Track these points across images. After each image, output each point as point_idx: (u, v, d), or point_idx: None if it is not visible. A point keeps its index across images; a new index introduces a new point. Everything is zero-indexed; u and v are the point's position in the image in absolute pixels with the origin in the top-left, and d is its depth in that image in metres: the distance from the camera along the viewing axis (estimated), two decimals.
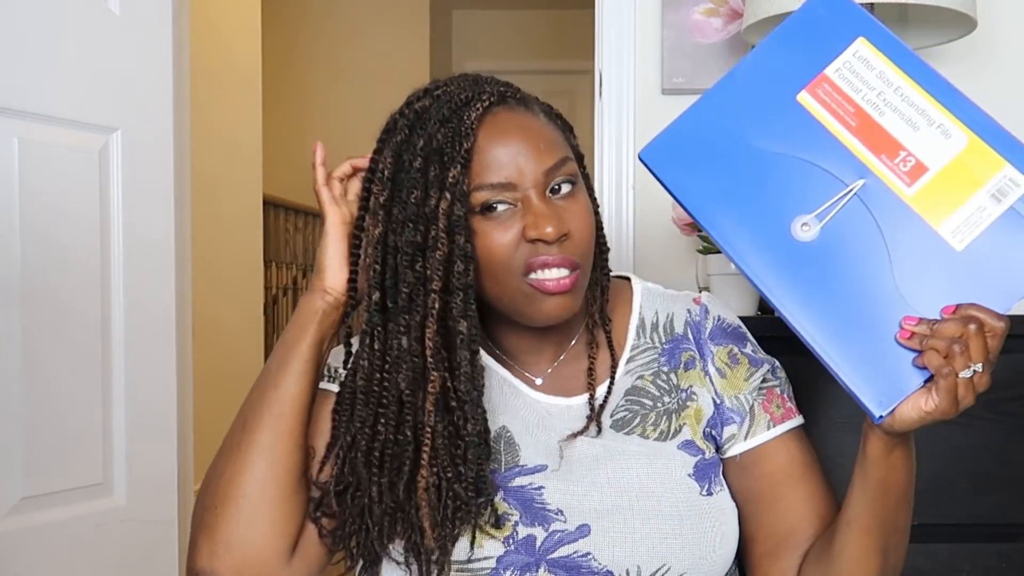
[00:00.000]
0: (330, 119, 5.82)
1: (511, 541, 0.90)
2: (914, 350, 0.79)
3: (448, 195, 0.87)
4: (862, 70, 0.85)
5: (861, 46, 0.86)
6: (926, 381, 0.79)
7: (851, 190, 0.82)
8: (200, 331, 2.61)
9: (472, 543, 0.90)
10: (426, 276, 0.87)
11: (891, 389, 0.79)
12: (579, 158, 0.97)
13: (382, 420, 0.88)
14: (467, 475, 0.87)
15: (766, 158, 0.85)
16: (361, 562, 0.92)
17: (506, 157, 0.89)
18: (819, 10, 0.87)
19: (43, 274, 1.67)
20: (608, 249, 1.00)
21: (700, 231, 1.57)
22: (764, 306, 1.55)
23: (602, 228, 0.99)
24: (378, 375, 0.89)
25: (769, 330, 1.10)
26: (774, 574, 0.95)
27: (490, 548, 0.90)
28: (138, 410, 1.83)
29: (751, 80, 0.87)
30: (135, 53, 1.84)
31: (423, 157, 0.89)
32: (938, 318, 0.79)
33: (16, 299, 1.63)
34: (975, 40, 1.74)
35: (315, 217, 5.21)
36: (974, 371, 0.77)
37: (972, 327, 0.76)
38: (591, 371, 0.98)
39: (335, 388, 0.96)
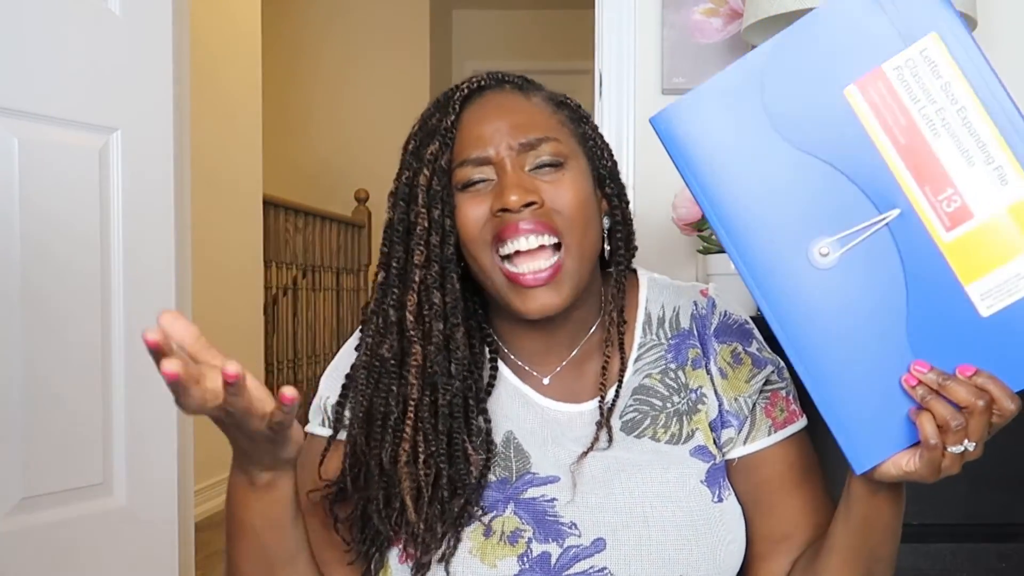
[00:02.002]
0: (330, 119, 5.82)
1: (525, 559, 0.88)
2: (913, 400, 0.73)
3: (427, 170, 0.90)
4: (926, 75, 0.70)
5: (932, 43, 0.70)
6: (914, 444, 0.74)
7: (884, 219, 0.71)
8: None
9: (483, 557, 0.88)
10: (411, 250, 0.90)
11: (876, 446, 0.74)
12: (600, 149, 0.96)
13: (379, 393, 0.90)
14: (452, 449, 0.88)
15: (792, 156, 0.72)
16: (372, 547, 0.91)
17: (483, 132, 0.90)
18: None
19: (43, 274, 1.67)
20: (635, 248, 0.98)
21: (700, 231, 1.57)
22: None
23: (630, 224, 0.98)
24: (372, 349, 0.92)
25: (768, 330, 1.09)
26: None
27: (504, 567, 0.88)
28: (138, 410, 1.83)
29: (797, 54, 0.71)
30: (135, 53, 1.84)
31: (417, 140, 0.93)
32: (949, 376, 0.72)
33: (16, 299, 1.63)
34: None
35: (315, 217, 5.21)
36: (965, 448, 0.72)
37: (981, 402, 0.70)
38: (604, 373, 0.95)
39: (326, 432, 0.97)
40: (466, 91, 0.93)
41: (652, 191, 1.87)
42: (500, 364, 0.98)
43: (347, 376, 0.96)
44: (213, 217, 3.58)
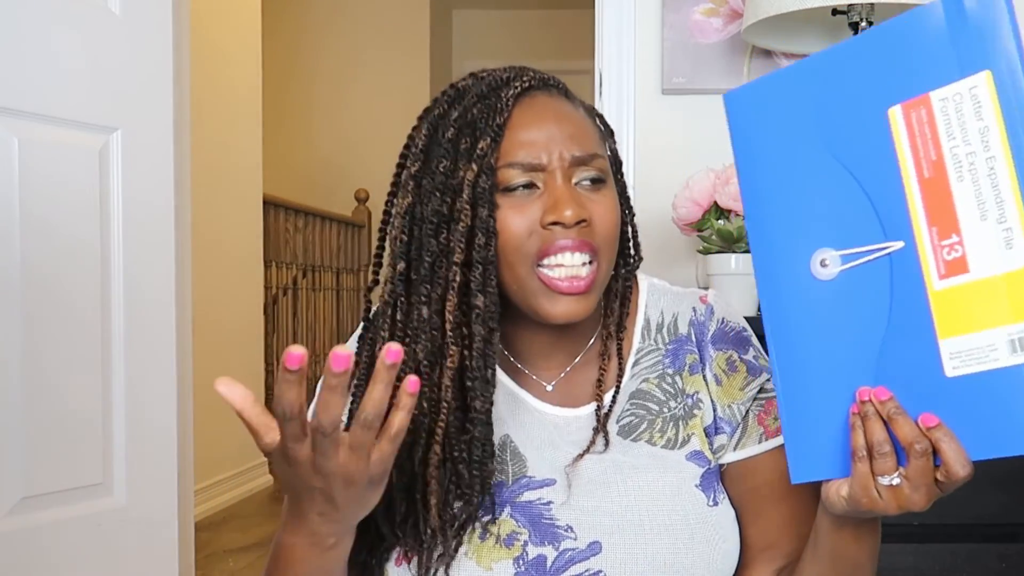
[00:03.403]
0: (330, 118, 5.82)
1: (521, 562, 0.87)
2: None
3: (475, 166, 0.86)
4: (968, 114, 0.66)
5: (983, 82, 0.65)
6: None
7: (886, 249, 0.70)
8: (200, 331, 2.61)
9: (479, 559, 0.88)
10: (449, 247, 0.86)
11: (817, 464, 0.74)
12: (617, 163, 0.95)
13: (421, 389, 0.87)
14: (474, 455, 0.86)
15: (826, 161, 0.72)
16: (371, 561, 0.90)
17: (537, 138, 0.87)
18: (971, 3, 0.66)
19: (43, 274, 1.67)
20: (640, 259, 0.97)
21: (700, 231, 1.57)
22: None
23: (636, 237, 0.97)
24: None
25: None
26: None
27: (499, 569, 0.87)
28: (138, 410, 1.83)
29: (863, 58, 0.70)
30: (135, 53, 1.84)
31: (456, 128, 0.88)
32: (902, 411, 0.70)
33: (17, 299, 1.63)
34: None
35: (315, 217, 5.21)
36: (893, 483, 0.71)
37: (919, 446, 0.69)
38: (600, 381, 0.95)
39: None
40: (519, 88, 0.89)
41: (652, 191, 1.87)
42: (502, 374, 0.97)
43: (356, 371, 0.93)
44: (213, 217, 3.58)
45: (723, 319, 0.98)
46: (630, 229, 0.97)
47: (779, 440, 0.94)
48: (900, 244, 0.69)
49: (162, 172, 1.92)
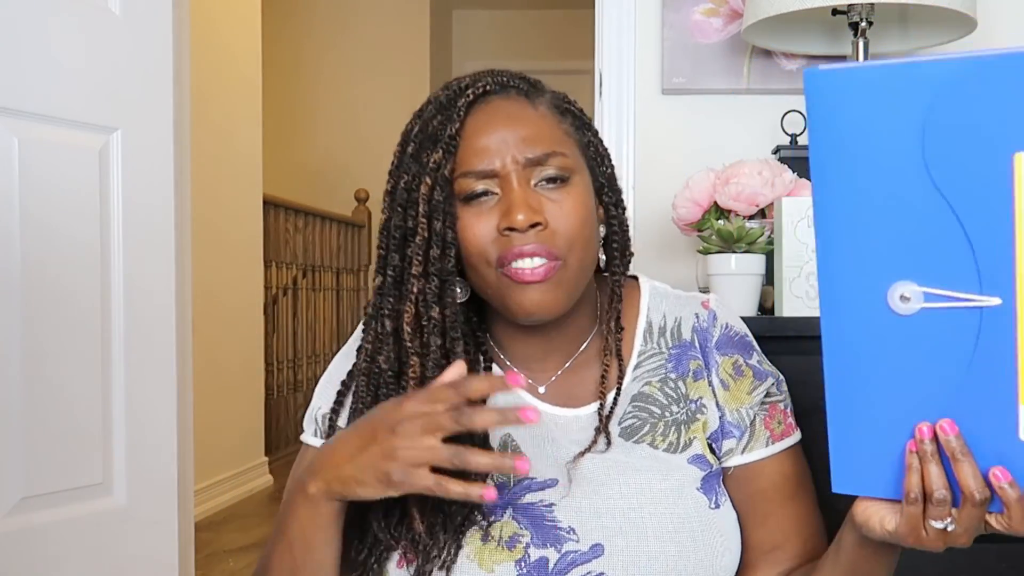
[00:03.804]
0: (330, 118, 5.82)
1: (523, 564, 0.87)
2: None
3: (429, 179, 0.87)
4: None
5: None
6: (897, 500, 0.71)
7: (981, 303, 0.64)
8: (200, 331, 2.61)
9: (480, 561, 0.88)
10: (408, 259, 0.88)
11: (861, 480, 0.72)
12: (599, 157, 0.95)
13: (382, 399, 0.89)
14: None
15: (925, 189, 0.64)
16: (370, 557, 0.90)
17: (489, 144, 0.88)
18: None
19: (44, 274, 1.67)
20: (631, 254, 0.97)
21: (700, 231, 1.57)
22: (763, 306, 1.55)
23: (627, 232, 0.96)
24: (371, 357, 0.91)
25: (769, 330, 1.09)
26: None
27: (502, 572, 0.87)
28: (138, 410, 1.83)
29: (985, 87, 0.61)
30: (135, 53, 1.84)
31: (417, 143, 0.90)
32: (968, 453, 0.67)
33: (17, 299, 1.63)
34: (975, 40, 1.74)
35: (315, 217, 5.21)
36: (946, 528, 0.69)
37: (979, 496, 0.67)
38: (603, 379, 0.95)
39: (319, 442, 0.97)
40: (471, 97, 0.90)
41: (652, 191, 1.87)
42: (495, 369, 0.97)
43: (343, 383, 0.96)
44: (213, 217, 3.58)
45: (727, 324, 0.98)
46: (617, 223, 0.95)
47: (785, 444, 0.95)
48: (997, 301, 0.63)
49: (162, 172, 1.91)
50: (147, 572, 1.86)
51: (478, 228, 0.88)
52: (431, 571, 0.87)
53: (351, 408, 0.93)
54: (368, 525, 0.89)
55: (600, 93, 1.92)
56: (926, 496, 0.69)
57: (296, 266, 5.01)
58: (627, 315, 0.98)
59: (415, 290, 0.88)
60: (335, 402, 0.96)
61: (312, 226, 5.18)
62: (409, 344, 0.88)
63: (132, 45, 1.83)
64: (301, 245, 5.05)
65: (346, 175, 5.70)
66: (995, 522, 0.69)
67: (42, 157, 1.66)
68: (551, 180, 0.88)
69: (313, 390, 1.03)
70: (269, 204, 4.52)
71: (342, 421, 0.95)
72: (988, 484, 0.67)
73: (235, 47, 4.00)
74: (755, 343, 0.99)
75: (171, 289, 1.94)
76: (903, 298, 0.66)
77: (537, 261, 0.86)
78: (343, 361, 0.99)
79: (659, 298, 1.00)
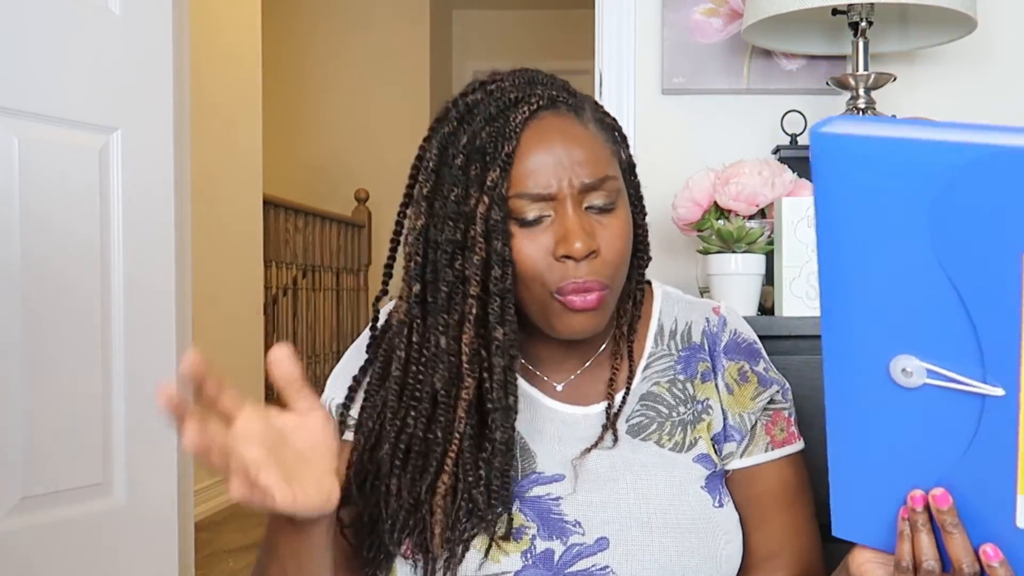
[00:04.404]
0: (330, 118, 5.82)
1: (529, 555, 0.88)
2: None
3: (487, 198, 0.85)
4: None
5: None
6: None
7: (984, 391, 0.63)
8: (200, 331, 2.61)
9: (487, 552, 0.88)
10: (464, 277, 0.86)
11: (861, 529, 0.72)
12: (630, 168, 0.95)
13: (412, 415, 0.87)
14: (492, 482, 0.87)
15: (930, 269, 0.62)
16: (380, 555, 0.90)
17: (546, 166, 0.86)
18: None
19: (44, 274, 1.67)
20: (649, 259, 0.98)
21: (700, 231, 1.57)
22: (763, 306, 1.55)
23: (646, 237, 0.97)
24: (414, 368, 0.88)
25: (769, 329, 1.09)
26: None
27: (508, 563, 0.88)
28: (138, 410, 1.83)
29: (1000, 178, 0.58)
30: (135, 53, 1.84)
31: (465, 155, 0.87)
32: (960, 527, 0.67)
33: (17, 298, 1.63)
34: (975, 40, 1.74)
35: (315, 217, 5.21)
36: None
37: (968, 570, 0.66)
38: (612, 381, 0.95)
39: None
40: (527, 113, 0.87)
41: (652, 191, 1.86)
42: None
43: (354, 378, 0.96)
44: (213, 217, 3.58)
45: (735, 331, 0.99)
46: (641, 233, 0.96)
47: (784, 451, 0.96)
48: (1000, 392, 0.62)
49: (162, 172, 1.92)
50: (147, 572, 1.86)
51: (533, 250, 0.86)
52: (437, 570, 0.88)
53: (367, 409, 0.92)
54: (375, 525, 0.90)
55: (600, 93, 1.91)
56: (916, 567, 0.69)
57: (296, 266, 5.01)
58: (640, 319, 0.99)
59: (474, 310, 0.86)
60: (346, 396, 0.97)
61: (312, 226, 5.18)
62: (467, 364, 0.86)
63: (132, 45, 1.83)
64: (301, 245, 5.05)
65: (346, 175, 5.70)
66: None
67: (42, 157, 1.66)
68: (600, 207, 0.88)
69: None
70: (269, 204, 4.51)
71: (354, 413, 0.95)
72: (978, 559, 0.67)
73: (235, 47, 4.00)
74: (763, 351, 1.00)
75: (171, 289, 1.94)
76: (905, 372, 0.65)
77: (588, 294, 0.86)
78: (356, 352, 1.00)
79: (671, 302, 1.01)
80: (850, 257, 0.64)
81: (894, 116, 1.73)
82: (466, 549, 0.88)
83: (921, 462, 0.67)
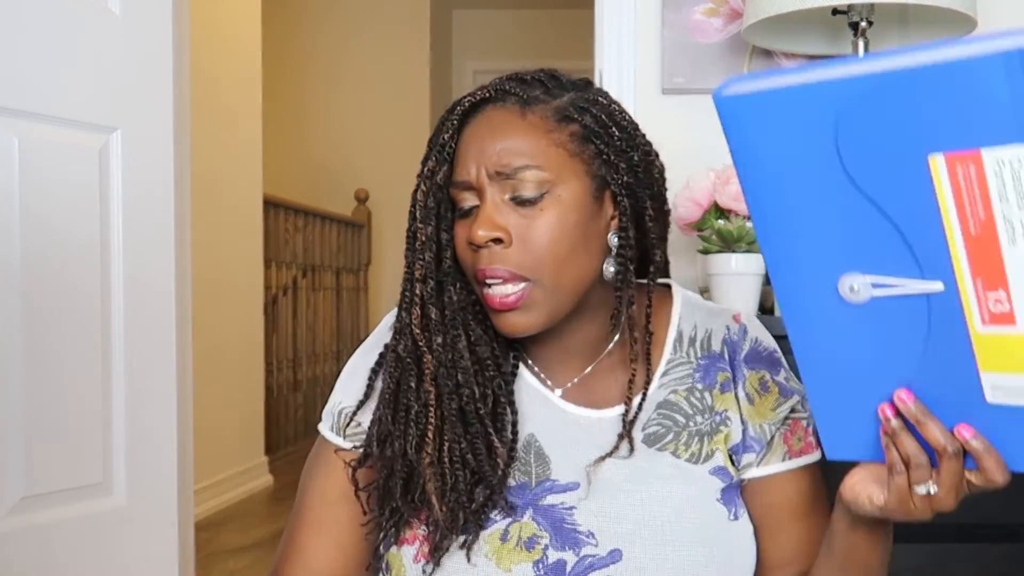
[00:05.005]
0: (330, 119, 5.82)
1: (541, 565, 0.88)
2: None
3: (424, 185, 0.90)
4: None
5: None
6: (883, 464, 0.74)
7: (926, 290, 0.67)
8: (200, 331, 2.61)
9: (498, 559, 0.89)
10: (413, 263, 0.92)
11: (850, 446, 0.75)
12: (614, 165, 0.91)
13: (404, 384, 0.92)
14: (476, 446, 0.90)
15: (847, 192, 0.66)
16: (390, 521, 0.92)
17: (469, 155, 0.89)
18: None
19: (44, 274, 1.67)
20: (658, 264, 0.95)
21: (700, 231, 1.57)
22: (764, 306, 1.55)
23: (647, 241, 0.93)
24: (393, 339, 0.95)
25: (768, 330, 1.09)
26: None
27: (519, 572, 0.88)
28: (138, 410, 1.83)
29: (896, 91, 0.62)
30: (135, 53, 1.84)
31: (427, 150, 0.92)
32: (929, 415, 0.71)
33: (16, 299, 1.63)
34: None
35: (315, 217, 5.21)
36: (929, 491, 0.72)
37: (951, 448, 0.70)
38: (631, 384, 0.94)
39: (332, 436, 0.99)
40: (467, 104, 0.91)
41: None
42: (525, 371, 0.98)
43: (372, 371, 0.98)
44: (213, 217, 3.58)
45: (756, 339, 0.98)
46: (628, 234, 0.91)
47: (801, 461, 0.95)
48: (940, 286, 0.66)
49: (162, 172, 1.91)
50: (147, 572, 1.86)
51: (460, 239, 0.91)
52: (448, 547, 0.88)
53: (386, 389, 0.95)
54: (391, 490, 0.91)
55: None
56: (907, 464, 0.72)
57: (296, 266, 5.01)
58: (659, 322, 0.97)
59: (419, 292, 0.91)
60: (363, 393, 0.98)
61: (312, 226, 5.18)
62: (421, 343, 0.91)
63: (132, 45, 1.83)
64: (301, 245, 5.05)
65: (346, 175, 5.70)
66: (974, 479, 0.71)
67: (42, 156, 1.66)
68: (525, 197, 0.88)
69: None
70: (269, 204, 4.51)
71: (365, 416, 0.97)
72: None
73: (235, 47, 4.00)
74: (783, 360, 0.98)
75: (171, 289, 1.94)
76: (852, 289, 0.69)
77: (509, 288, 0.87)
78: (365, 355, 1.01)
79: (691, 309, 1.00)
80: (775, 200, 0.70)
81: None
82: (480, 527, 0.89)
83: (887, 369, 0.71)
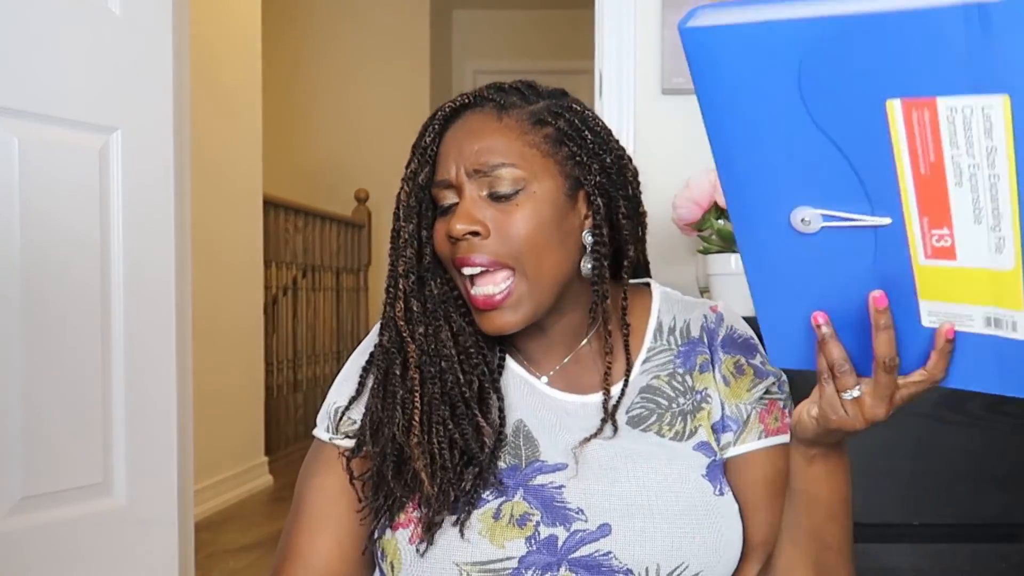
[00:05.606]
0: (331, 118, 5.82)
1: (533, 541, 0.91)
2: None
3: (406, 186, 0.96)
4: (977, 131, 0.64)
5: (998, 104, 0.62)
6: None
7: (873, 223, 0.71)
8: (200, 331, 2.61)
9: (491, 536, 0.91)
10: (396, 260, 0.98)
11: (794, 355, 0.81)
12: (587, 166, 0.96)
13: (391, 373, 0.97)
14: (463, 426, 0.94)
15: (805, 126, 0.69)
16: (384, 505, 0.94)
17: (449, 156, 0.95)
18: (999, 24, 0.60)
19: (43, 274, 1.67)
20: (634, 259, 1.01)
21: (700, 231, 1.57)
22: None
23: (620, 239, 0.99)
24: (380, 337, 1.00)
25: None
26: None
27: (512, 548, 0.91)
28: (138, 410, 1.83)
29: (858, 36, 0.65)
30: (135, 53, 1.84)
31: (411, 154, 0.98)
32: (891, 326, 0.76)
33: (16, 299, 1.63)
34: None
35: (315, 217, 5.21)
36: (854, 395, 0.77)
37: (891, 376, 0.76)
38: (607, 374, 0.98)
39: (339, 439, 1.01)
40: (448, 110, 0.97)
41: (652, 191, 1.86)
42: (511, 360, 1.03)
43: (363, 368, 1.02)
44: (213, 217, 3.58)
45: (732, 327, 1.03)
46: (601, 232, 0.96)
47: (777, 439, 0.99)
48: (887, 221, 0.71)
49: (162, 172, 1.92)
50: (147, 572, 1.86)
51: (440, 235, 0.96)
52: (440, 523, 0.91)
53: (375, 366, 1.00)
54: (384, 477, 0.94)
55: (600, 93, 1.92)
56: (833, 372, 0.77)
57: (296, 266, 5.01)
58: (639, 316, 1.03)
59: (402, 287, 0.97)
60: (355, 391, 1.01)
61: (312, 226, 5.18)
62: (405, 333, 0.96)
63: (132, 45, 1.83)
64: (301, 245, 5.05)
65: (346, 175, 5.70)
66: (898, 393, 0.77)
67: (42, 157, 1.66)
68: (501, 193, 0.94)
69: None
70: (269, 204, 4.52)
71: (357, 411, 1.00)
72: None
73: (236, 47, 4.00)
74: (759, 346, 1.03)
75: (171, 289, 1.94)
76: (804, 221, 0.73)
77: (492, 288, 0.93)
78: (359, 357, 1.05)
79: (670, 302, 1.06)
80: (736, 132, 0.72)
81: None
82: (471, 506, 0.91)
83: (833, 292, 0.76)
